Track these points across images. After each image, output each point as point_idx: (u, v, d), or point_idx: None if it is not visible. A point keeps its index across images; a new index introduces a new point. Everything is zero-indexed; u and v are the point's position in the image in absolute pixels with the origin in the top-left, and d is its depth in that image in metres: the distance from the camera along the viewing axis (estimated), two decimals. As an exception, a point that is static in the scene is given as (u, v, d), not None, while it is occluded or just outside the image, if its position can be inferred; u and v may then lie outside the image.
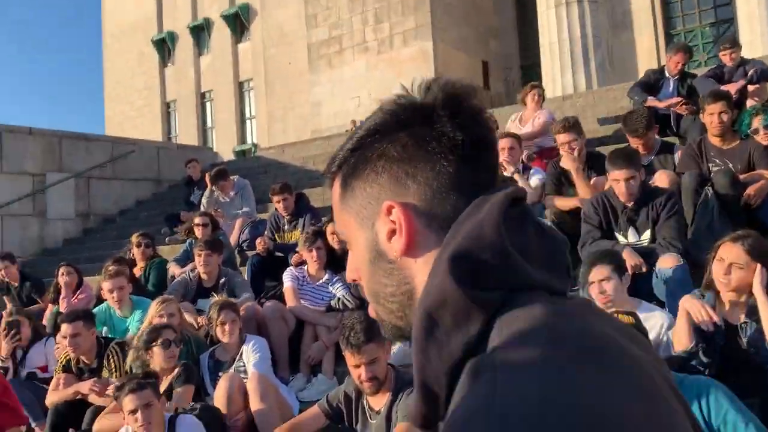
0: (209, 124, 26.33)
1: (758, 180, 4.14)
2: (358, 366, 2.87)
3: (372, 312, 0.77)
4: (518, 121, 6.79)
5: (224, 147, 22.87)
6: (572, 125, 4.80)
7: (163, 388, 3.78)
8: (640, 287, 3.61)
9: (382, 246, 0.70)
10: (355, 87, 17.90)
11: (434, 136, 0.68)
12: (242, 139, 25.17)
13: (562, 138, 4.76)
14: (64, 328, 4.24)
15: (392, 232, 0.68)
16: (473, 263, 0.61)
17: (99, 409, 4.13)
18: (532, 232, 0.66)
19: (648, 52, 15.84)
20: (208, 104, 26.32)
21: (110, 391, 4.03)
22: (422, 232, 0.67)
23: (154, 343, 3.82)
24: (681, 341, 2.84)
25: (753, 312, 2.82)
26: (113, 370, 4.33)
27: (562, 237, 0.69)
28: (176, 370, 3.84)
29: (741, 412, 2.59)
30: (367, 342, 2.82)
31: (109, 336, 4.77)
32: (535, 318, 0.58)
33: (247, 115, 25.32)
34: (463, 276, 0.61)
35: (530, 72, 17.69)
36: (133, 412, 3.15)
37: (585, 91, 11.12)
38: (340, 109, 18.36)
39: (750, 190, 4.06)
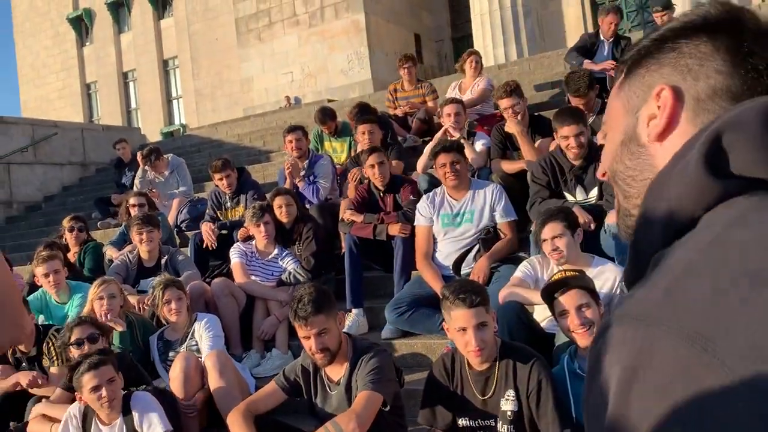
0: (133, 105, 25.33)
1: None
2: (308, 338, 2.82)
3: (616, 202, 0.78)
4: (458, 89, 6.80)
5: (151, 128, 22.04)
6: (514, 89, 4.84)
7: None
8: (588, 245, 3.68)
9: (638, 129, 0.72)
10: (287, 62, 17.56)
11: (731, 51, 0.68)
12: (169, 119, 24.35)
13: (505, 103, 4.79)
14: (0, 316, 3.97)
15: (652, 117, 0.70)
16: (731, 144, 0.59)
17: (40, 400, 3.94)
18: None
19: (575, 22, 16.20)
20: (131, 84, 25.28)
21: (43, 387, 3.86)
22: (683, 124, 0.68)
23: (71, 345, 3.65)
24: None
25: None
26: (54, 357, 4.11)
27: None
28: None
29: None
30: (315, 313, 2.77)
31: (47, 323, 4.52)
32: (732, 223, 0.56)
33: (173, 94, 24.49)
34: (714, 157, 0.59)
35: (462, 44, 17.81)
36: (96, 389, 3.05)
37: (520, 59, 11.27)
38: (272, 85, 17.99)
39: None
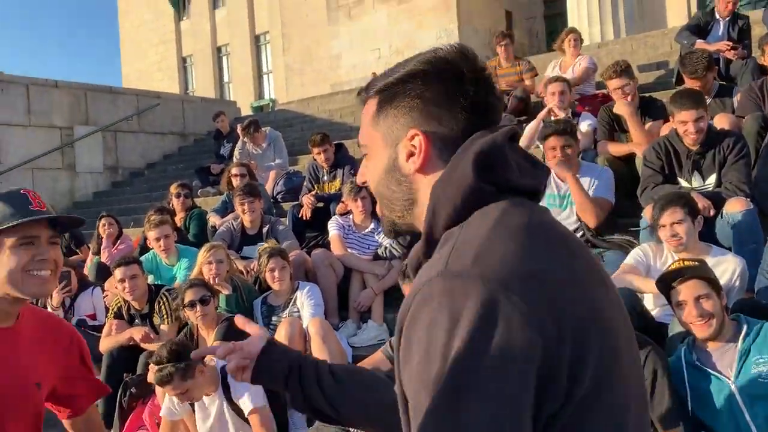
0: (226, 78, 26.08)
1: (825, 123, 4.00)
2: None
3: (377, 207, 1.01)
4: (558, 68, 6.61)
5: (242, 102, 22.63)
6: (624, 69, 4.66)
7: (209, 342, 3.79)
8: (702, 233, 3.53)
9: (399, 162, 0.94)
10: (376, 39, 17.57)
11: (461, 93, 0.91)
12: (259, 93, 24.93)
13: (614, 83, 4.62)
14: (121, 271, 4.24)
15: (410, 154, 0.92)
16: (489, 160, 0.87)
17: (151, 355, 4.17)
18: (521, 154, 0.93)
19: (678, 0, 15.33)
20: (224, 58, 26.02)
21: (154, 342, 4.05)
22: (434, 160, 0.91)
23: (185, 307, 3.82)
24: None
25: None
26: (164, 316, 4.35)
27: (543, 164, 0.95)
28: (216, 328, 3.81)
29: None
30: None
31: (158, 283, 4.78)
32: (497, 210, 0.86)
33: (264, 69, 25.02)
34: (480, 168, 0.86)
35: (555, 22, 17.26)
36: (178, 397, 3.20)
37: (622, 38, 10.81)
38: (359, 62, 18.05)
39: (816, 134, 3.93)
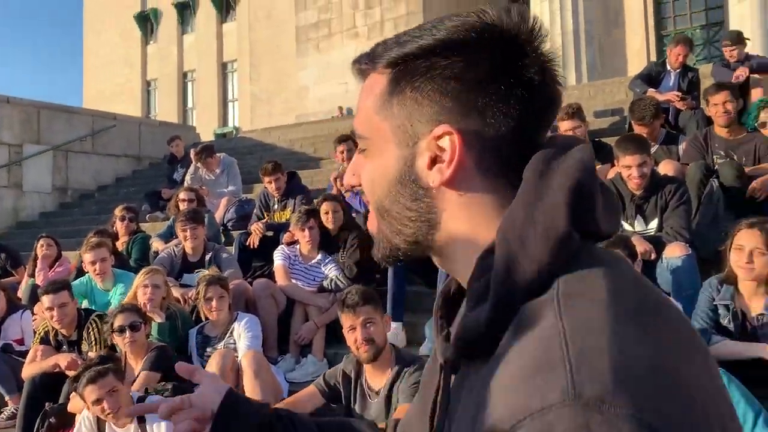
0: (190, 104, 25.91)
1: (764, 173, 4.10)
2: (353, 328, 2.82)
3: (372, 224, 0.71)
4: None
5: (205, 129, 22.45)
6: (575, 111, 4.73)
7: (137, 371, 3.64)
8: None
9: (418, 169, 0.65)
10: (343, 72, 17.70)
11: (518, 77, 0.62)
12: (224, 121, 24.81)
13: (565, 125, 4.67)
14: (49, 299, 4.04)
15: (435, 159, 0.64)
16: (585, 197, 0.59)
17: (75, 380, 3.96)
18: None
19: (638, 52, 15.88)
20: (189, 84, 25.89)
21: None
22: (469, 170, 0.63)
23: (113, 332, 3.67)
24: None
25: (769, 303, 2.76)
26: (93, 342, 4.16)
27: (613, 191, 0.72)
28: (145, 356, 3.67)
29: (752, 404, 2.55)
30: (363, 303, 2.85)
31: (90, 308, 4.57)
32: (599, 274, 0.57)
33: (230, 97, 24.96)
34: (574, 208, 0.58)
35: (519, 66, 17.66)
36: (98, 401, 2.97)
37: (582, 84, 11.09)
38: (326, 94, 18.15)
39: (755, 184, 4.02)
